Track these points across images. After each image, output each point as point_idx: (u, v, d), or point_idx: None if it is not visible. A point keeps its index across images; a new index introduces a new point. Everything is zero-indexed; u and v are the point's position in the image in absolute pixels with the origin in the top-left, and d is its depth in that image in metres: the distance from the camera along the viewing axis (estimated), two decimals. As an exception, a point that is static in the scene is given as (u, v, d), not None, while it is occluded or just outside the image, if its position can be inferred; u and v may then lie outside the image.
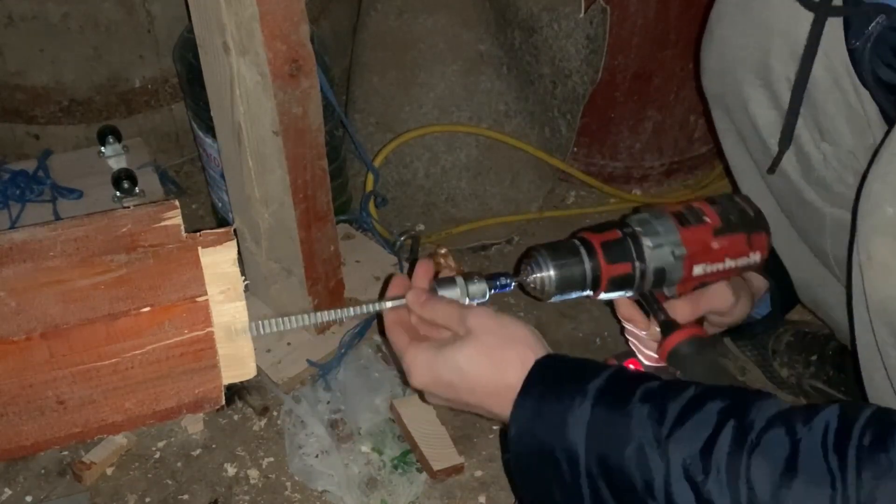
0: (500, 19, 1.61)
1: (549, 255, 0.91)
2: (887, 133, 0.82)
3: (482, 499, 1.21)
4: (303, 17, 1.09)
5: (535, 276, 0.92)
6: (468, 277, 0.88)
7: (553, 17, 1.54)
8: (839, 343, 1.27)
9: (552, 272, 0.91)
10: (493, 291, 0.89)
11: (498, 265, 1.58)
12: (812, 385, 1.27)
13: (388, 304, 0.87)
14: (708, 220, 0.95)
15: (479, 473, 1.24)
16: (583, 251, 0.92)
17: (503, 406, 0.80)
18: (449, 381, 0.82)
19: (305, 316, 0.81)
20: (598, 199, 1.73)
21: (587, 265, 0.92)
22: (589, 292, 0.94)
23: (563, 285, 0.92)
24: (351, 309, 0.85)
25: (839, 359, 1.26)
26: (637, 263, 0.93)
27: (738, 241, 0.96)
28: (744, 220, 0.97)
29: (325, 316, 0.83)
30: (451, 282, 0.88)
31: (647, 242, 0.93)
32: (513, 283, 0.91)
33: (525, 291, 0.94)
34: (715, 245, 0.95)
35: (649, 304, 0.98)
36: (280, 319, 0.78)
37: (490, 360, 0.81)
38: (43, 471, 1.24)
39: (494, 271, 0.91)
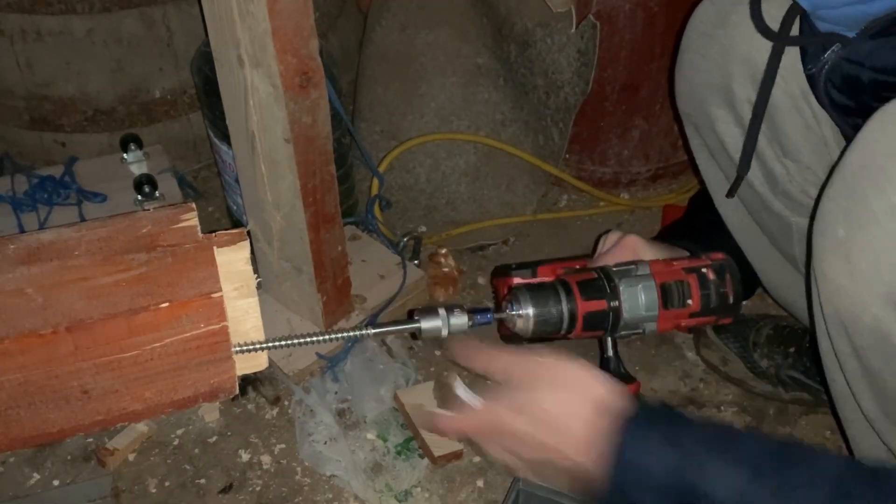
0: (497, 34, 1.61)
1: (533, 303, 0.91)
2: (840, 155, 0.82)
3: (480, 483, 1.21)
4: (312, 32, 1.09)
5: (514, 315, 0.91)
6: (450, 309, 0.86)
7: (546, 32, 1.54)
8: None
9: (531, 321, 0.91)
10: (473, 325, 0.87)
11: (495, 264, 1.57)
12: (789, 375, 1.27)
13: (372, 332, 0.84)
14: (690, 303, 0.93)
15: (477, 459, 1.24)
16: (566, 311, 0.91)
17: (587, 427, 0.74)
18: (523, 404, 0.77)
19: (287, 341, 0.79)
20: (588, 203, 1.72)
21: (566, 324, 0.92)
22: (561, 338, 0.95)
23: (539, 334, 0.92)
24: (340, 333, 0.83)
25: (815, 351, 1.26)
26: (608, 334, 0.93)
27: (705, 321, 0.96)
28: (720, 307, 0.95)
29: (315, 338, 0.81)
30: (433, 312, 0.85)
31: (625, 319, 0.92)
32: (493, 318, 0.89)
33: (500, 330, 0.94)
34: (683, 324, 0.95)
35: (601, 343, 0.98)
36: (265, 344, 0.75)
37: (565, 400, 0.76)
38: (69, 457, 1.24)
39: (475, 306, 0.90)
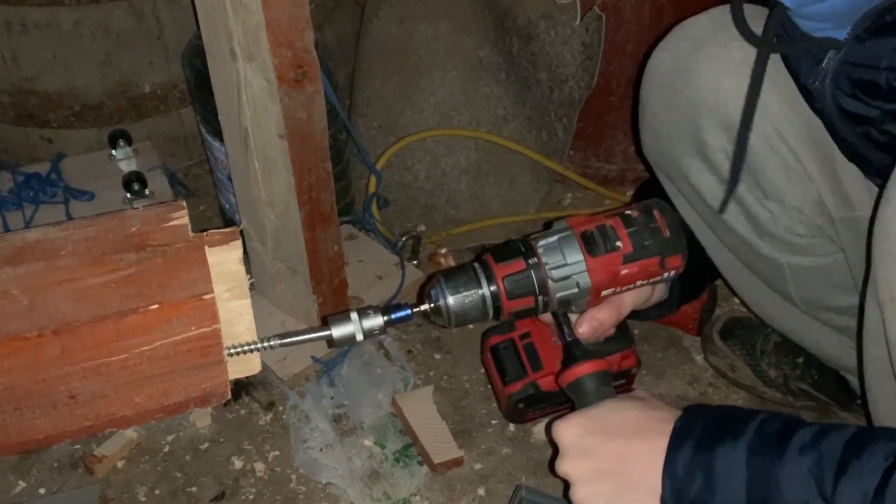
0: (499, 26, 1.61)
1: (449, 286, 0.87)
2: (891, 172, 0.79)
3: (481, 491, 1.21)
4: (307, 24, 1.09)
5: (433, 305, 0.88)
6: (363, 312, 0.83)
7: (550, 24, 1.54)
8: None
9: (451, 304, 0.87)
10: (389, 325, 0.84)
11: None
12: (798, 386, 1.28)
13: (278, 343, 0.79)
14: (619, 245, 0.88)
15: (478, 466, 1.24)
16: (484, 283, 0.87)
17: (654, 445, 0.79)
18: (599, 419, 0.84)
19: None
20: (593, 201, 1.72)
21: (488, 299, 0.88)
22: (491, 319, 0.91)
23: (463, 318, 0.88)
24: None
25: (823, 363, 1.26)
26: (540, 297, 0.89)
27: (649, 265, 0.90)
28: (658, 244, 0.89)
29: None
30: (345, 318, 0.82)
31: (551, 274, 0.88)
32: (412, 313, 0.86)
33: (429, 320, 0.90)
34: (624, 272, 0.89)
35: (556, 321, 0.94)
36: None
37: (640, 401, 0.85)
38: (56, 464, 1.24)
39: (393, 303, 0.86)
